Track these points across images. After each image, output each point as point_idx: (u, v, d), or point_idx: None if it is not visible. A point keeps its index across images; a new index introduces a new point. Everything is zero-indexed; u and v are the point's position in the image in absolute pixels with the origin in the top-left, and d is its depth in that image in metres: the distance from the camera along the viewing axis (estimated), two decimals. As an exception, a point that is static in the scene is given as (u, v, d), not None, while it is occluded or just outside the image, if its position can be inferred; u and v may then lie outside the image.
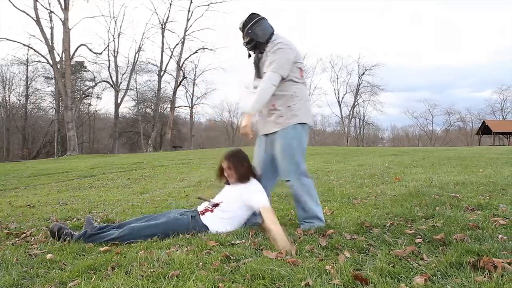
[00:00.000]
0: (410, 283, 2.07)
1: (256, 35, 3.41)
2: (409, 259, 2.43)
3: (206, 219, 3.39)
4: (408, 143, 65.95)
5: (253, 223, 3.49)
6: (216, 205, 3.48)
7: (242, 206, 3.39)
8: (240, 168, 3.43)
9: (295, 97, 3.40)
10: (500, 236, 2.77)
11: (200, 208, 3.55)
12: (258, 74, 3.53)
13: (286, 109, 3.38)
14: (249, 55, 3.59)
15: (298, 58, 3.43)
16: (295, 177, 3.38)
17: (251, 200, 3.32)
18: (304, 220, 3.43)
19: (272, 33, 3.47)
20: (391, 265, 2.33)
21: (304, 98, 3.49)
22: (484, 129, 45.47)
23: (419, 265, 2.32)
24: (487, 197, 4.30)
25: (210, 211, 3.44)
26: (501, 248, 2.50)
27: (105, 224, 3.58)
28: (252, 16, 3.45)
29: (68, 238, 3.25)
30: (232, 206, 3.41)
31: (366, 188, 5.76)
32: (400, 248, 2.65)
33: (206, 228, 3.34)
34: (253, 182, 3.44)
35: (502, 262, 2.18)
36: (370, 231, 3.18)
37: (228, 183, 3.59)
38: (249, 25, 3.41)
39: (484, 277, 2.07)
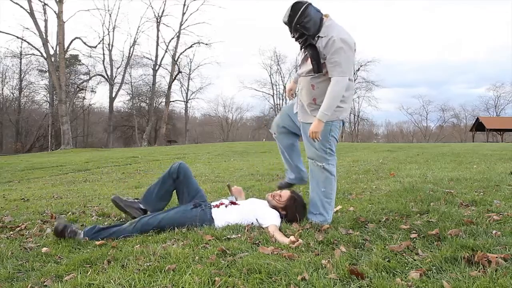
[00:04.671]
0: (405, 278, 2.09)
1: (307, 28, 3.08)
2: (404, 254, 2.45)
3: (217, 212, 3.43)
4: (403, 139, 66.24)
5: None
6: (234, 203, 3.57)
7: (252, 217, 3.41)
8: (289, 208, 3.46)
9: None
10: (494, 231, 2.79)
11: (215, 203, 3.62)
12: (319, 69, 3.21)
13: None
14: (302, 45, 3.26)
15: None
16: (320, 159, 3.39)
17: (262, 218, 3.36)
18: (312, 212, 3.46)
19: (322, 19, 3.15)
20: (387, 259, 2.34)
21: (349, 93, 3.32)
22: (478, 126, 45.73)
23: (414, 260, 2.33)
24: (481, 193, 4.33)
25: (225, 206, 3.51)
26: (495, 243, 2.53)
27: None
28: (297, 6, 3.07)
29: (72, 236, 3.15)
30: (245, 212, 3.45)
31: (361, 184, 5.78)
32: (395, 243, 2.67)
33: (212, 221, 3.37)
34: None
35: (496, 257, 2.20)
36: (366, 226, 3.20)
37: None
38: (296, 19, 3.06)
39: (479, 271, 2.09)
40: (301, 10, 3.05)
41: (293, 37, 3.20)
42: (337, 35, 3.08)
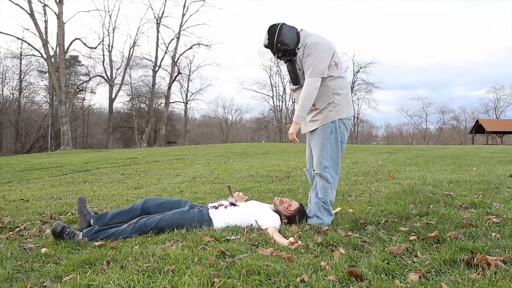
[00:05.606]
0: (404, 280, 2.09)
1: (287, 44, 3.32)
2: (403, 256, 2.45)
3: (215, 213, 3.43)
4: (402, 141, 66.22)
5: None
6: (234, 204, 3.58)
7: (252, 218, 3.41)
8: (293, 217, 3.48)
9: (334, 94, 3.40)
10: (493, 234, 2.80)
11: (214, 204, 3.63)
12: (296, 81, 3.48)
13: (325, 106, 3.40)
14: (285, 61, 3.49)
15: (333, 53, 3.38)
16: (318, 165, 3.45)
17: (262, 219, 3.36)
18: (309, 216, 3.50)
19: (298, 33, 3.38)
20: (386, 261, 2.35)
21: (344, 91, 3.46)
22: (478, 128, 45.73)
23: (414, 262, 2.34)
24: (481, 196, 4.33)
25: (225, 207, 3.51)
26: (495, 246, 2.53)
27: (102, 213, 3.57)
28: (272, 29, 3.33)
29: (70, 238, 3.16)
30: (244, 214, 3.46)
31: (360, 186, 5.78)
32: (394, 245, 2.67)
33: (210, 222, 3.37)
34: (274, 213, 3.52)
35: (496, 260, 2.20)
36: (365, 228, 3.20)
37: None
38: (276, 40, 3.31)
39: (478, 274, 2.09)
40: (277, 30, 3.32)
41: (278, 57, 3.44)
42: (310, 40, 3.34)
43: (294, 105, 54.51)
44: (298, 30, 3.41)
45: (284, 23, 3.36)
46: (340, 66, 3.46)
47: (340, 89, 3.43)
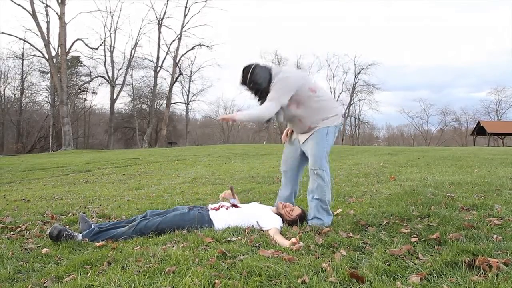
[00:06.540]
0: (406, 282, 2.09)
1: (259, 84, 3.49)
2: (404, 257, 2.44)
3: (216, 214, 3.43)
4: (403, 142, 66.17)
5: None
6: (235, 206, 3.59)
7: (253, 220, 3.41)
8: (294, 222, 3.50)
9: (321, 111, 3.56)
10: (495, 236, 2.79)
11: (214, 205, 3.63)
12: (278, 116, 3.61)
13: (319, 122, 3.55)
14: (259, 99, 3.62)
15: (302, 83, 3.50)
16: (315, 162, 3.52)
17: (263, 221, 3.37)
18: (308, 218, 3.53)
19: (270, 72, 3.52)
20: (387, 263, 2.34)
21: (329, 107, 3.60)
22: (479, 130, 45.67)
23: (415, 264, 2.33)
24: (482, 197, 4.32)
25: (226, 208, 3.51)
26: (496, 248, 2.53)
27: (110, 222, 3.56)
28: (245, 70, 3.51)
29: (69, 239, 3.13)
30: (246, 215, 3.46)
31: (361, 187, 5.78)
32: (395, 247, 2.66)
33: (210, 223, 3.36)
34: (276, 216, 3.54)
35: (497, 262, 2.20)
36: (366, 229, 3.20)
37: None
38: (248, 80, 3.49)
39: (479, 276, 2.09)
40: (250, 71, 3.49)
41: (252, 95, 3.60)
42: (281, 74, 3.51)
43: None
44: (271, 69, 3.55)
45: (258, 64, 3.53)
46: (320, 90, 3.61)
47: (326, 107, 3.59)
